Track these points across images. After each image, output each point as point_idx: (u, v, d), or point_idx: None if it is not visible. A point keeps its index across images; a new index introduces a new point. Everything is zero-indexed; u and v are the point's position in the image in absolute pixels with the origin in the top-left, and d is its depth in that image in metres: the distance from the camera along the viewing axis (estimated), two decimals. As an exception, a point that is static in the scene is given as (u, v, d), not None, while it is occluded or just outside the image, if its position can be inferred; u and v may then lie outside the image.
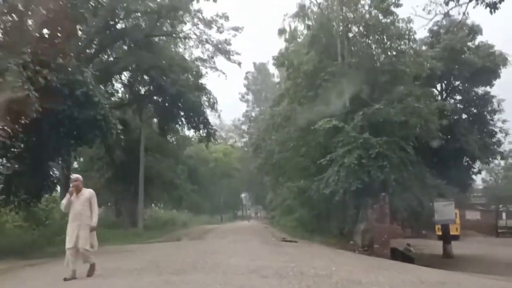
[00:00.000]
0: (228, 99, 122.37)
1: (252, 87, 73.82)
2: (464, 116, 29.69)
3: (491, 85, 29.07)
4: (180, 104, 28.48)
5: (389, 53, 23.78)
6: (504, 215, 68.04)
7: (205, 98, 29.70)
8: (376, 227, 17.99)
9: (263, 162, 32.70)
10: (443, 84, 30.59)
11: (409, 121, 20.55)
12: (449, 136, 27.37)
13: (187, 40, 30.43)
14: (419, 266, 17.71)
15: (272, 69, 60.10)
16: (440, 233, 43.45)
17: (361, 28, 24.41)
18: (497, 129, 29.62)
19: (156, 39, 28.45)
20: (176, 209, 51.28)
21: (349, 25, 24.35)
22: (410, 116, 20.59)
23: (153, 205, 47.73)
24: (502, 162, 53.35)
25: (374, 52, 24.35)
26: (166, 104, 28.48)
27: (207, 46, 30.02)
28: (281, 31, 26.62)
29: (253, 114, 67.50)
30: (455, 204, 29.96)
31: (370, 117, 19.91)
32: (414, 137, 21.74)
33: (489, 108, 29.78)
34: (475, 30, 29.21)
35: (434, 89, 29.58)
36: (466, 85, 29.97)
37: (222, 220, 56.89)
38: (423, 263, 25.38)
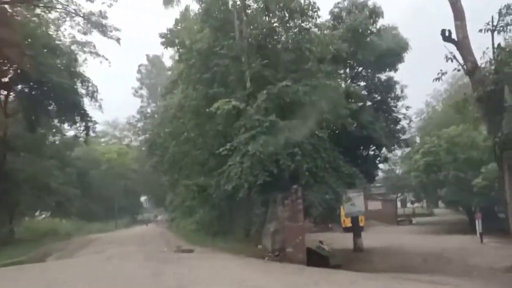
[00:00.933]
0: (121, 96, 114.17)
1: (146, 81, 68.72)
2: (368, 103, 28.29)
3: (396, 70, 28.02)
4: (51, 93, 23.58)
5: (292, 31, 21.25)
6: (400, 204, 70.67)
7: (82, 86, 25.02)
8: (288, 227, 15.22)
9: (159, 160, 29.17)
10: (347, 70, 29.11)
11: (318, 104, 18.04)
12: (355, 125, 25.95)
13: (52, 14, 25.26)
14: (342, 271, 15.33)
15: (169, 62, 55.95)
16: (346, 225, 42.72)
17: (260, 2, 21.64)
18: (401, 116, 28.67)
19: (10, 9, 23.17)
20: (62, 217, 45.20)
21: (247, -2, 21.44)
22: (320, 99, 18.11)
23: (38, 213, 41.49)
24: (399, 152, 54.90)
25: (276, 30, 21.68)
26: (33, 93, 23.39)
27: (77, 19, 25.18)
28: (168, 1, 22.72)
29: (149, 110, 62.67)
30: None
31: (276, 97, 17.13)
32: (324, 122, 19.34)
33: (393, 95, 28.76)
34: (376, 12, 27.90)
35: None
36: (370, 70, 28.82)
37: (117, 226, 51.65)
38: (337, 260, 23.53)
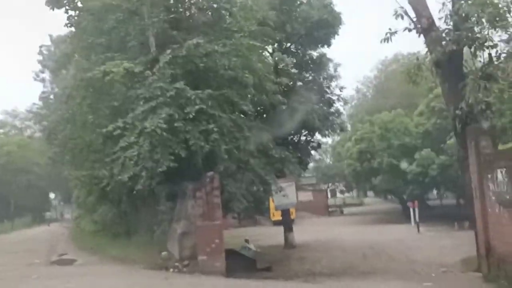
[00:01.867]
0: (23, 82, 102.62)
1: (48, 63, 61.05)
2: (299, 83, 25.19)
3: (329, 45, 25.03)
4: None
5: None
6: (329, 194, 69.58)
7: None
8: (201, 227, 11.53)
9: (58, 150, 24.36)
10: (276, 46, 25.80)
11: (240, 74, 14.42)
12: (284, 107, 22.90)
13: None
14: (269, 280, 11.97)
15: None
16: (275, 218, 39.89)
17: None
18: (335, 98, 25.82)
19: None
20: None
21: None
22: (242, 67, 14.52)
23: None
24: (330, 140, 53.01)
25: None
26: None
27: None
28: None
29: (52, 96, 55.57)
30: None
31: (185, 61, 13.33)
32: (248, 97, 15.74)
33: (325, 74, 25.83)
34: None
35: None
36: (300, 46, 25.70)
37: (13, 227, 45.31)
38: (266, 260, 20.23)
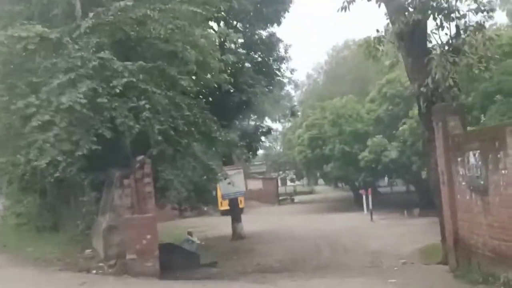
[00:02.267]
0: None
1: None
2: (247, 64, 23.51)
3: (279, 23, 23.45)
4: None
5: None
6: (279, 182, 68.70)
7: None
8: (130, 220, 9.69)
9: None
10: (222, 24, 23.94)
11: (179, 47, 12.51)
12: (232, 90, 21.26)
13: None
14: (211, 281, 10.35)
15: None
16: (223, 208, 38.34)
17: None
18: (285, 80, 24.40)
19: None
20: None
21: None
22: (182, 38, 12.61)
23: None
24: (281, 127, 51.77)
25: None
26: None
27: None
28: None
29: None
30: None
31: (112, 28, 11.29)
32: (189, 75, 13.85)
33: (276, 55, 24.27)
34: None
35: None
36: (248, 25, 23.94)
37: None
38: (212, 253, 18.65)
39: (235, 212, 23.17)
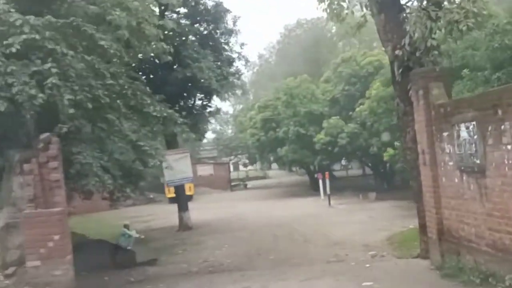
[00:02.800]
0: None
1: None
2: (192, 37, 21.16)
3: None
4: None
5: None
6: (232, 167, 66.78)
7: None
8: (30, 218, 7.34)
9: None
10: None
11: (110, 14, 10.04)
12: (175, 66, 19.05)
13: None
14: None
15: None
16: (171, 195, 36.16)
17: None
18: (235, 56, 22.22)
19: None
20: None
21: None
22: (112, 8, 10.18)
23: None
24: (231, 109, 49.68)
25: None
26: None
27: None
28: None
29: None
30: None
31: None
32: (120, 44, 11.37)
33: (224, 28, 22.02)
34: None
35: None
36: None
37: None
38: (153, 248, 16.47)
39: (181, 200, 20.92)
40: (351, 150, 30.08)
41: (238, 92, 21.60)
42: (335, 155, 30.85)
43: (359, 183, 37.90)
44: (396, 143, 19.10)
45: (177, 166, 20.21)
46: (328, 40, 45.54)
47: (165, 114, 11.35)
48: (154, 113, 10.78)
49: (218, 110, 21.85)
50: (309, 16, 45.52)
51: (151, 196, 37.48)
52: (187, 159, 20.44)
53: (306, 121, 31.68)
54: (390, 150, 19.96)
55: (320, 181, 28.84)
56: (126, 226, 15.20)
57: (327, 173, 27.39)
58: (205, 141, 55.34)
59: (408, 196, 26.02)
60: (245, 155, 52.54)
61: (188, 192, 36.43)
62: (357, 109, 28.81)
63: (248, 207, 28.46)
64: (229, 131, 48.75)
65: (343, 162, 50.98)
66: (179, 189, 20.89)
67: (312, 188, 35.00)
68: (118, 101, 9.55)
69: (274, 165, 71.56)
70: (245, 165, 72.80)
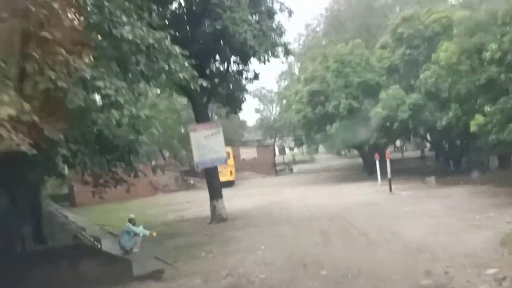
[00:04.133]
0: None
1: None
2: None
3: None
4: None
5: None
6: (277, 150, 63.10)
7: None
8: None
9: None
10: None
11: None
12: (204, 19, 15.33)
13: None
14: None
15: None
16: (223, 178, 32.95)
17: None
18: (276, 7, 17.90)
19: None
20: None
21: None
22: None
23: None
24: (276, 87, 45.50)
25: None
26: None
27: None
28: None
29: None
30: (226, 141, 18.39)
31: None
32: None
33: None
34: None
35: None
36: None
37: None
38: (170, 248, 12.89)
39: (213, 185, 17.17)
40: (414, 125, 25.33)
41: (281, 51, 17.24)
42: (394, 132, 26.23)
43: (418, 166, 33.22)
44: (487, 108, 14.58)
45: (208, 144, 16.63)
46: (384, 4, 40.56)
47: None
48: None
49: (256, 76, 17.76)
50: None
51: (191, 181, 34.55)
52: (219, 135, 16.70)
53: (359, 93, 27.24)
54: (479, 118, 15.17)
55: (378, 163, 24.45)
56: (131, 221, 11.65)
57: (387, 152, 22.88)
58: (249, 123, 51.83)
59: (489, 180, 21.80)
60: (290, 137, 48.48)
61: (228, 178, 33.16)
62: (422, 75, 24.17)
63: (293, 194, 24.64)
64: (274, 111, 44.65)
65: (398, 142, 46.16)
66: (211, 172, 17.19)
67: (367, 172, 30.66)
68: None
69: (321, 148, 67.44)
70: (291, 149, 68.81)
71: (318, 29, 43.10)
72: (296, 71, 40.56)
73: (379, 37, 32.08)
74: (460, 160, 28.24)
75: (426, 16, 26.68)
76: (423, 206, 15.94)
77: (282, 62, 44.77)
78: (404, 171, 28.84)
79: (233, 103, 17.75)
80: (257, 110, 44.05)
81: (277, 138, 46.91)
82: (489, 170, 26.45)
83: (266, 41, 16.52)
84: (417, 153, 42.43)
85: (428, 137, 30.85)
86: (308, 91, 28.46)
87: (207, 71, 17.25)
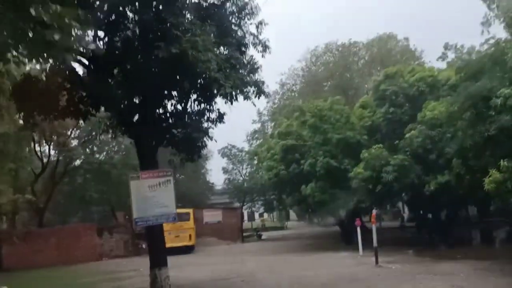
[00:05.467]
0: None
1: None
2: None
3: None
4: None
5: None
6: (246, 216, 59.51)
7: None
8: None
9: None
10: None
11: None
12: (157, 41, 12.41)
13: None
14: None
15: None
16: (171, 244, 29.06)
17: None
18: (249, 39, 15.02)
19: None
20: None
21: None
22: None
23: None
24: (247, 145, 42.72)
25: None
26: None
27: None
28: None
29: None
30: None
31: None
32: None
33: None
34: None
35: None
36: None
37: None
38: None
39: (155, 249, 13.44)
40: (399, 188, 22.44)
41: (252, 91, 14.22)
42: (377, 195, 23.22)
43: (398, 236, 30.12)
44: (503, 163, 11.72)
45: (153, 196, 13.18)
46: (362, 66, 39.30)
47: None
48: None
49: (221, 116, 14.64)
50: (340, 39, 39.36)
51: (143, 246, 30.22)
52: (169, 186, 13.27)
53: (338, 152, 24.49)
54: (495, 173, 12.09)
55: (359, 230, 21.24)
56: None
57: (373, 213, 19.64)
58: (217, 185, 48.29)
59: (489, 255, 18.70)
60: (260, 202, 44.96)
61: (186, 243, 29.15)
62: (407, 135, 21.78)
63: (260, 263, 20.98)
64: (244, 171, 41.41)
65: (374, 211, 43.16)
66: (154, 232, 13.53)
67: (344, 241, 27.25)
68: None
69: (293, 216, 63.88)
70: (260, 215, 64.97)
71: (294, 88, 41.11)
72: (270, 131, 37.89)
73: (357, 99, 30.30)
74: (446, 231, 25.29)
75: (410, 75, 24.82)
76: (425, 285, 12.59)
77: (253, 122, 42.49)
78: (385, 241, 25.55)
79: (191, 148, 14.47)
80: (225, 170, 40.68)
81: (245, 202, 43.27)
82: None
83: (234, 76, 13.59)
84: (395, 224, 39.53)
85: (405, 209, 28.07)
86: (282, 146, 25.52)
87: (160, 110, 14.24)
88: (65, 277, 20.34)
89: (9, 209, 25.60)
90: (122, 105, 13.01)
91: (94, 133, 31.54)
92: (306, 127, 25.54)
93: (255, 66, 14.72)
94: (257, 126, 43.03)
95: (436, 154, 21.26)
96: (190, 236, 28.81)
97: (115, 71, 13.30)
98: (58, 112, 12.76)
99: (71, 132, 32.54)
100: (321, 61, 39.97)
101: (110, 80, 12.89)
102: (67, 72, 11.65)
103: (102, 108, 13.88)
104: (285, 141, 25.50)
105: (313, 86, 38.31)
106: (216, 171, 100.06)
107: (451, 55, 25.16)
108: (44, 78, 12.28)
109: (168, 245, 28.72)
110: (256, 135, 41.89)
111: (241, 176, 40.94)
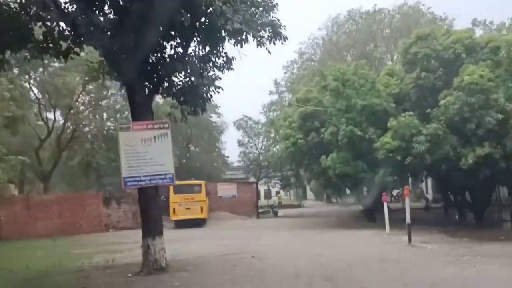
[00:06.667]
0: None
1: None
2: None
3: None
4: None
5: None
6: (262, 193, 57.76)
7: None
8: None
9: None
10: None
11: None
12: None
13: None
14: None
15: None
16: (178, 217, 27.70)
17: None
18: None
19: None
20: None
21: None
22: None
23: None
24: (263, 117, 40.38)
25: None
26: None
27: None
28: None
29: None
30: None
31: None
32: None
33: None
34: None
35: None
36: None
37: None
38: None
39: (149, 216, 11.39)
40: (432, 161, 19.90)
41: (267, 34, 11.83)
42: (406, 168, 20.84)
43: (424, 217, 27.70)
44: None
45: (147, 152, 11.18)
46: (387, 35, 36.54)
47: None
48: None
49: (229, 61, 12.37)
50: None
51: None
52: (166, 140, 11.23)
53: (363, 119, 22.06)
54: None
55: (386, 206, 18.97)
56: None
57: (406, 187, 17.31)
58: (232, 160, 46.26)
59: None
60: (277, 178, 42.78)
61: (197, 215, 27.36)
62: (442, 101, 19.27)
63: (274, 239, 18.94)
64: (260, 145, 39.11)
65: (394, 192, 40.83)
66: (148, 195, 11.46)
67: (367, 218, 25.05)
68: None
69: (310, 195, 61.77)
70: (277, 193, 63.05)
71: (313, 57, 38.52)
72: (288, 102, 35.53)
73: (382, 69, 27.75)
74: (479, 212, 22.86)
75: (444, 37, 22.02)
76: (477, 268, 10.35)
77: (270, 93, 40.11)
78: (412, 221, 23.26)
79: (193, 98, 12.28)
80: (241, 143, 38.53)
81: (261, 178, 41.12)
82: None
83: (245, 10, 11.26)
84: (418, 204, 37.05)
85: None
86: (301, 113, 23.18)
87: (157, 53, 12.09)
88: (60, 247, 18.63)
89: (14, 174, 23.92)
90: (112, 44, 10.85)
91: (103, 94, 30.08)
92: (327, 93, 23.11)
93: (270, 3, 12.23)
94: (274, 97, 40.67)
95: (476, 123, 18.78)
96: (201, 208, 26.97)
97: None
98: (33, 48, 10.69)
99: (78, 96, 30.83)
100: (343, 29, 37.21)
101: (96, 10, 10.71)
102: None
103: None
104: (304, 108, 23.10)
105: (334, 56, 35.69)
106: (231, 148, 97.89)
107: (478, 32, 22.43)
108: (16, 7, 10.21)
109: (178, 217, 27.25)
110: (273, 107, 39.56)
111: (256, 149, 38.65)
